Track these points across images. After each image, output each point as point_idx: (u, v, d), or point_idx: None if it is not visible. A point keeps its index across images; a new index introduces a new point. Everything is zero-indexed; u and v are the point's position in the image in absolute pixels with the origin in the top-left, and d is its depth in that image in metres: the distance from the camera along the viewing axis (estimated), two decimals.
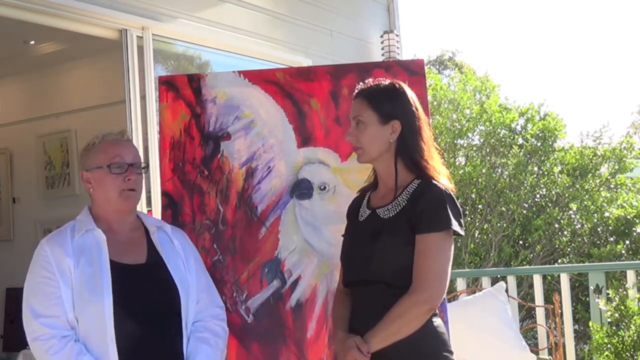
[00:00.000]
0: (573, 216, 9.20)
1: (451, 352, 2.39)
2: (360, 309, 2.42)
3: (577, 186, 9.09)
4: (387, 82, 2.51)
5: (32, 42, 5.36)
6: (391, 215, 2.40)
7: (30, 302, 2.36)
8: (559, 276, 5.98)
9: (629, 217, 8.81)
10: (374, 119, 2.43)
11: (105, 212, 2.49)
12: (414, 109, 2.46)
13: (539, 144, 9.32)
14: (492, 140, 9.33)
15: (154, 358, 2.38)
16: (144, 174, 2.57)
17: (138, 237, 2.53)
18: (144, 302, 2.39)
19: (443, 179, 2.42)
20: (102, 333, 2.31)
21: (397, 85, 2.49)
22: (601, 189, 9.20)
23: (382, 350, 2.29)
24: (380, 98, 2.45)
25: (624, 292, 4.79)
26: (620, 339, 4.51)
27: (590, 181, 9.20)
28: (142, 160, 2.58)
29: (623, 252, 8.42)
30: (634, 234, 8.72)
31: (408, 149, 2.42)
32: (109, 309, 2.31)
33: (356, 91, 2.52)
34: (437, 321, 2.39)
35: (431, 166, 2.42)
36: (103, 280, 2.34)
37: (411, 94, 2.48)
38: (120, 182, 2.45)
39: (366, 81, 2.53)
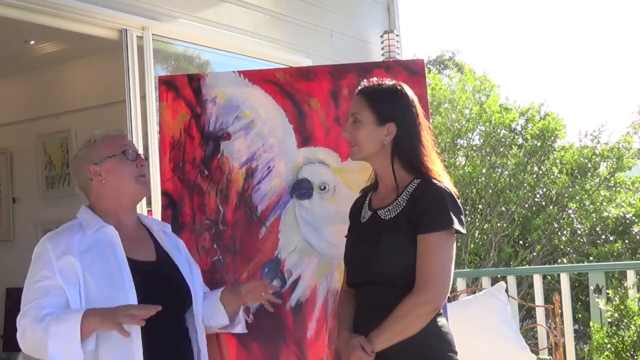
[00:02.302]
0: (572, 215, 9.21)
1: (455, 352, 2.39)
2: (364, 309, 2.42)
3: (577, 186, 9.10)
4: (391, 83, 2.49)
5: (32, 42, 5.35)
6: (392, 216, 2.39)
7: (25, 300, 2.31)
8: (558, 276, 5.98)
9: (627, 215, 8.82)
10: (370, 119, 2.43)
11: (115, 205, 2.45)
12: (414, 112, 2.44)
13: (538, 144, 9.33)
14: (492, 140, 9.34)
15: (169, 355, 2.37)
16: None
17: (143, 235, 2.52)
18: (159, 300, 2.36)
19: (445, 181, 2.41)
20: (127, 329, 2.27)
21: (398, 87, 2.48)
22: (600, 188, 9.21)
23: (386, 351, 2.29)
24: (380, 99, 2.44)
25: (624, 292, 4.79)
26: (620, 339, 4.52)
27: (590, 180, 9.21)
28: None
29: (621, 250, 8.43)
30: (633, 232, 8.73)
31: (404, 152, 2.42)
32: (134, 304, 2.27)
33: (359, 88, 2.52)
34: (442, 321, 2.39)
35: (432, 169, 2.41)
36: (124, 276, 2.30)
37: (413, 97, 2.47)
38: (135, 168, 2.45)
39: (371, 79, 2.53)
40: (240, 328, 2.62)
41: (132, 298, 2.28)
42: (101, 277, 2.30)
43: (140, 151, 2.60)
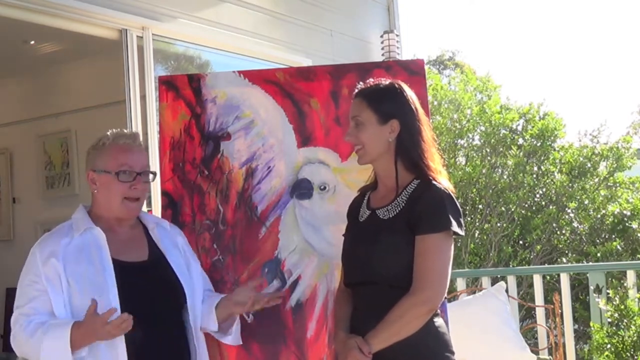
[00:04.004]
0: (572, 215, 9.21)
1: (452, 353, 2.39)
2: (361, 309, 2.42)
3: (576, 185, 9.10)
4: (387, 82, 2.50)
5: (32, 42, 5.35)
6: (391, 216, 2.39)
7: (16, 303, 2.37)
8: (558, 276, 5.98)
9: (625, 212, 8.81)
10: (372, 119, 2.43)
11: (105, 213, 2.48)
12: (413, 109, 2.45)
13: (538, 144, 9.33)
14: (493, 140, 9.33)
15: (161, 356, 2.37)
16: (150, 182, 2.55)
17: (138, 235, 2.52)
18: (149, 300, 2.37)
19: (443, 179, 2.41)
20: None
21: (396, 85, 2.48)
22: (600, 187, 9.21)
23: (383, 351, 2.29)
24: (379, 98, 2.45)
25: (624, 292, 4.78)
26: (620, 339, 4.51)
27: (589, 180, 9.21)
28: (151, 169, 2.56)
29: (619, 249, 8.42)
30: (631, 231, 8.72)
31: (407, 149, 2.42)
32: (116, 307, 2.27)
33: (356, 91, 2.52)
34: (439, 321, 2.39)
35: (431, 167, 2.41)
36: (107, 278, 2.32)
37: (411, 94, 2.48)
38: (126, 189, 2.44)
39: (366, 81, 2.53)
40: (230, 340, 2.58)
41: (114, 299, 2.29)
42: (84, 279, 2.32)
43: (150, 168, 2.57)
